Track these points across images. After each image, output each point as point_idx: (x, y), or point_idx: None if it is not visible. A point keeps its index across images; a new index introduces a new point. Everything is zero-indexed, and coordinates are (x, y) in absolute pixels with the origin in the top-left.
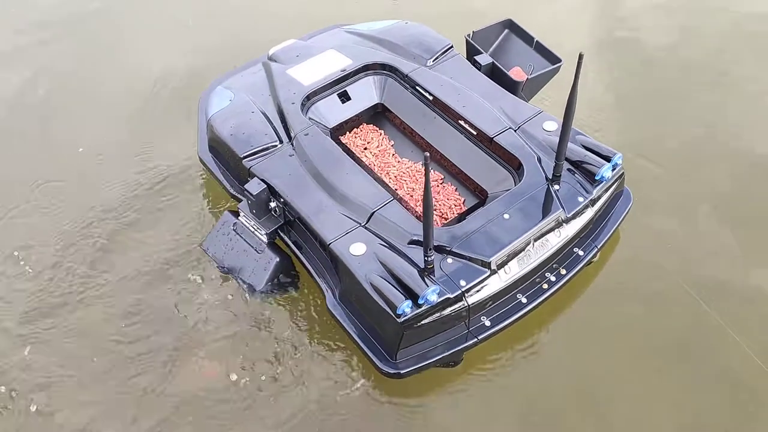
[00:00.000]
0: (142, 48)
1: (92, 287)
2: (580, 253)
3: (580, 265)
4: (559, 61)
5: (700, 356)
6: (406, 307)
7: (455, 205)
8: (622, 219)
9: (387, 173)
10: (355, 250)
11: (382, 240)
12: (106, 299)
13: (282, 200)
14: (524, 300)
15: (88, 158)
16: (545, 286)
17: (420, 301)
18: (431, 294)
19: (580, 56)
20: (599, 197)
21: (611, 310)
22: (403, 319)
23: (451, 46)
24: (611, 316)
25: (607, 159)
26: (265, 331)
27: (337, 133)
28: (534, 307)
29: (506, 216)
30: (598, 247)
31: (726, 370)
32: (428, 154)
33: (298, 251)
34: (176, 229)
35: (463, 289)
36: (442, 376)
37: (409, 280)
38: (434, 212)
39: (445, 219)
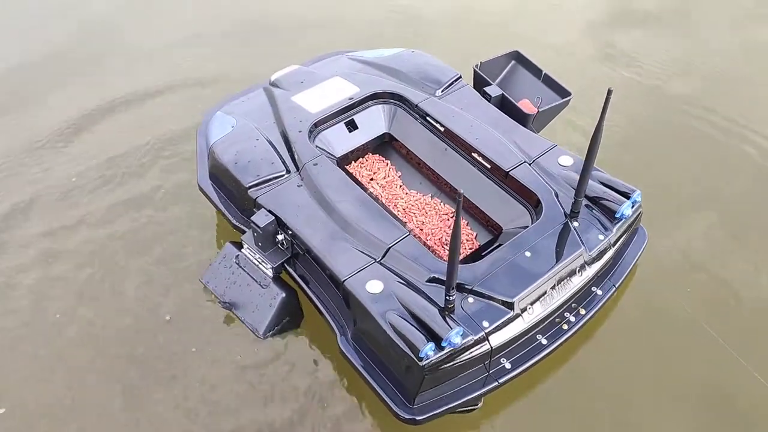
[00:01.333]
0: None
1: None
2: (599, 292)
3: (600, 305)
4: (569, 94)
5: (722, 397)
6: (429, 350)
7: (467, 240)
8: (639, 256)
9: (395, 205)
10: (372, 287)
11: (399, 277)
12: None
13: (290, 233)
14: (544, 341)
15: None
16: (565, 326)
17: (443, 344)
18: (455, 336)
19: (609, 91)
20: (619, 235)
21: (628, 351)
22: (425, 363)
23: (460, 77)
24: (627, 356)
25: (626, 196)
26: (267, 370)
27: (342, 162)
28: (554, 349)
29: (527, 254)
30: (616, 286)
31: (747, 408)
32: (462, 191)
33: (305, 286)
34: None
35: (486, 331)
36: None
37: (431, 321)
38: (445, 247)
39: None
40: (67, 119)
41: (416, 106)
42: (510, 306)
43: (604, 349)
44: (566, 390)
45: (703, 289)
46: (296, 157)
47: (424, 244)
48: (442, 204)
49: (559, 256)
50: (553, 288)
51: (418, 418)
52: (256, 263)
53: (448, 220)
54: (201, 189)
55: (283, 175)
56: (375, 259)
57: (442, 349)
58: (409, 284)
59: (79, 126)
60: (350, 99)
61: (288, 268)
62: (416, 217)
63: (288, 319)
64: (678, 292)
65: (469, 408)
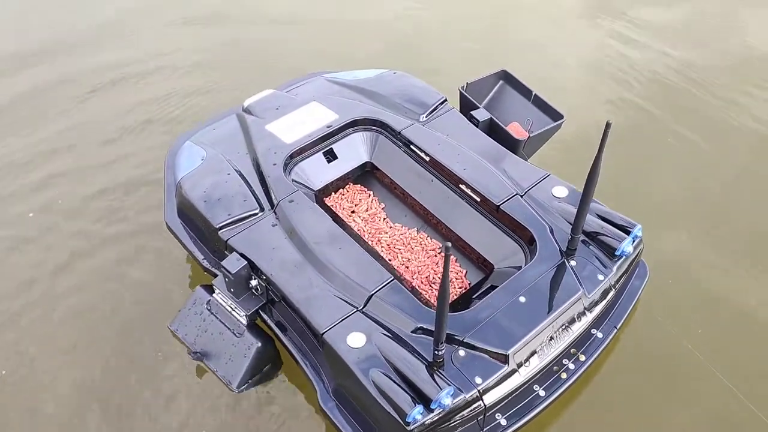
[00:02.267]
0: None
1: None
2: (599, 335)
3: (600, 349)
4: (561, 117)
5: None
6: (417, 413)
7: (456, 278)
8: (640, 293)
9: (378, 241)
10: (353, 341)
11: (382, 327)
12: None
13: (265, 278)
14: (542, 393)
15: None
16: (564, 375)
17: (432, 406)
18: (445, 397)
19: (608, 125)
20: (620, 275)
21: (630, 395)
22: (413, 427)
23: (445, 100)
24: (630, 401)
25: (625, 230)
26: (242, 424)
27: (322, 194)
28: (553, 400)
29: (522, 299)
30: (617, 327)
31: None
32: (449, 245)
33: (282, 334)
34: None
35: (479, 388)
36: None
37: (419, 381)
38: (433, 286)
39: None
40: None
41: (399, 133)
42: (505, 359)
43: (602, 390)
44: None
45: (711, 325)
46: (271, 193)
47: (410, 284)
48: (429, 239)
49: (556, 301)
50: (551, 338)
51: None
52: (229, 310)
53: (436, 256)
54: (169, 228)
55: (256, 214)
56: (356, 308)
57: (432, 410)
58: (394, 336)
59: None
60: (329, 127)
61: (263, 314)
62: (401, 253)
63: (264, 369)
64: (681, 327)
65: None
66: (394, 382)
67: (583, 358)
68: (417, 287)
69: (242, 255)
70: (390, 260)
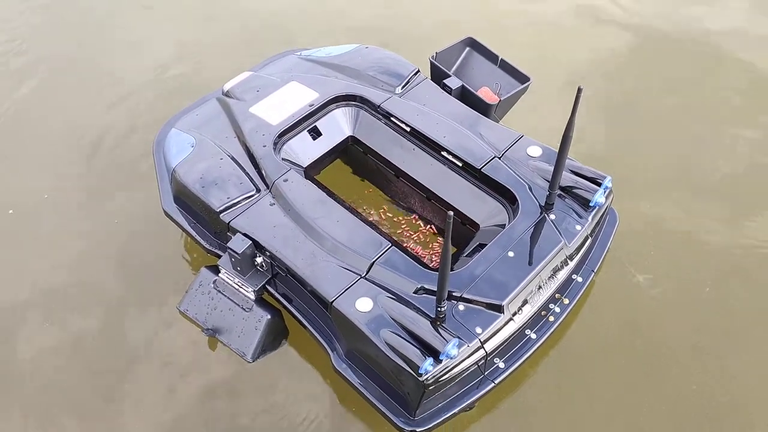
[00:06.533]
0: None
1: None
2: (579, 279)
3: (581, 292)
4: (528, 79)
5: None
6: (428, 365)
7: None
8: (611, 240)
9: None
10: (362, 306)
11: (386, 291)
12: None
13: (269, 254)
14: (533, 335)
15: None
16: (551, 318)
17: (441, 357)
18: (452, 348)
19: (579, 90)
20: (595, 223)
21: (602, 359)
22: (425, 378)
23: (418, 71)
24: (603, 368)
25: (596, 182)
26: (255, 390)
27: (311, 171)
28: (543, 342)
29: (511, 254)
30: (594, 270)
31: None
32: (452, 213)
33: (289, 305)
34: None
35: (480, 337)
36: None
37: (426, 336)
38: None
39: (437, 255)
40: None
41: (379, 106)
42: (500, 309)
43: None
44: (554, 373)
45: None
46: (264, 174)
47: (403, 246)
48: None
49: (541, 253)
50: (539, 286)
51: (418, 430)
52: (236, 287)
53: (416, 221)
54: (167, 214)
55: (253, 195)
56: (360, 275)
57: (440, 361)
58: (398, 297)
59: None
60: (311, 105)
61: (269, 288)
62: (391, 218)
63: (274, 339)
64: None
65: (468, 407)
66: (404, 339)
67: (567, 301)
68: (409, 248)
69: (246, 235)
70: (382, 226)
